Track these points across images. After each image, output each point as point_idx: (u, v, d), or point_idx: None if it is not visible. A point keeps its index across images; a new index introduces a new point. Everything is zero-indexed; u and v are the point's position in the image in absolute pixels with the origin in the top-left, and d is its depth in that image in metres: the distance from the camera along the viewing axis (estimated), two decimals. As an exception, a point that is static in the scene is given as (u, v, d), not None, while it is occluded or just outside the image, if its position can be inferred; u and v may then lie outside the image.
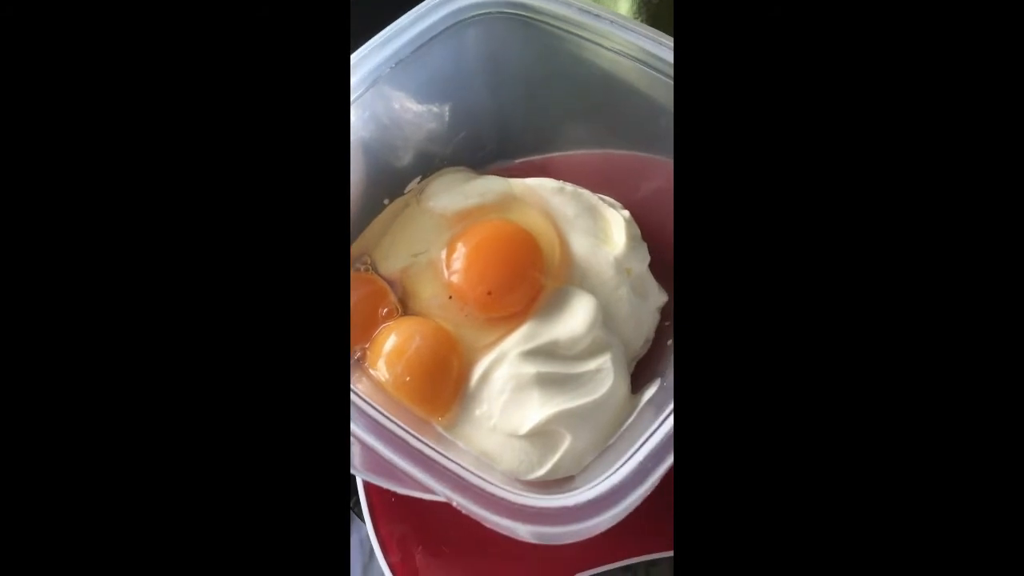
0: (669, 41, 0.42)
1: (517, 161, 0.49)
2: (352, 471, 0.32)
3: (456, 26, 0.43)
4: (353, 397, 0.33)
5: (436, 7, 0.42)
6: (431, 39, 0.42)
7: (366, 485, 0.43)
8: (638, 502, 0.31)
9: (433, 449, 0.32)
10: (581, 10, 0.43)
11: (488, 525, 0.31)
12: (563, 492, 0.32)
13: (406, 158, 0.47)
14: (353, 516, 0.47)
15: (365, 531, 0.55)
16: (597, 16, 0.43)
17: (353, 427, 0.32)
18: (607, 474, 0.31)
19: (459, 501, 0.31)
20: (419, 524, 0.42)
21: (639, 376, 0.42)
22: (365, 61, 0.41)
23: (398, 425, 0.32)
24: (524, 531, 0.30)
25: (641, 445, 0.32)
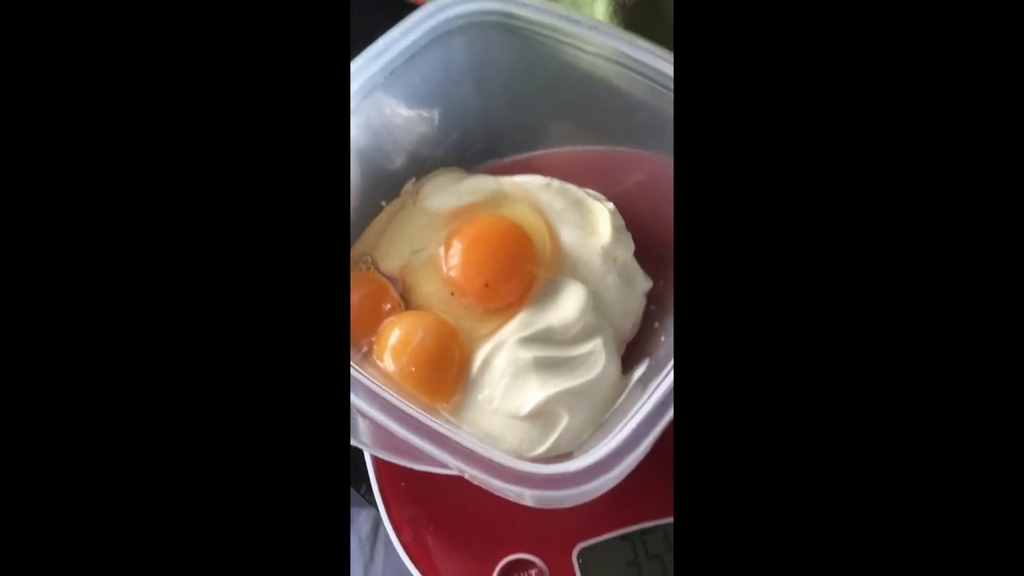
0: (643, 43, 0.44)
1: (506, 160, 0.51)
2: (363, 448, 0.34)
3: (444, 35, 0.45)
4: (366, 380, 0.35)
5: (424, 19, 0.45)
6: (422, 48, 0.45)
7: (377, 472, 0.45)
8: (633, 466, 0.33)
9: (443, 426, 0.35)
10: (560, 16, 0.45)
11: (495, 492, 0.33)
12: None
13: (400, 161, 0.49)
14: (359, 506, 0.49)
15: (365, 531, 0.57)
16: (575, 21, 0.45)
17: (364, 406, 0.34)
18: (603, 443, 0.34)
19: (470, 472, 0.33)
20: (429, 505, 0.44)
21: (629, 358, 0.45)
22: (360, 72, 0.43)
23: (409, 406, 0.35)
24: (529, 496, 0.33)
25: (633, 416, 0.35)
